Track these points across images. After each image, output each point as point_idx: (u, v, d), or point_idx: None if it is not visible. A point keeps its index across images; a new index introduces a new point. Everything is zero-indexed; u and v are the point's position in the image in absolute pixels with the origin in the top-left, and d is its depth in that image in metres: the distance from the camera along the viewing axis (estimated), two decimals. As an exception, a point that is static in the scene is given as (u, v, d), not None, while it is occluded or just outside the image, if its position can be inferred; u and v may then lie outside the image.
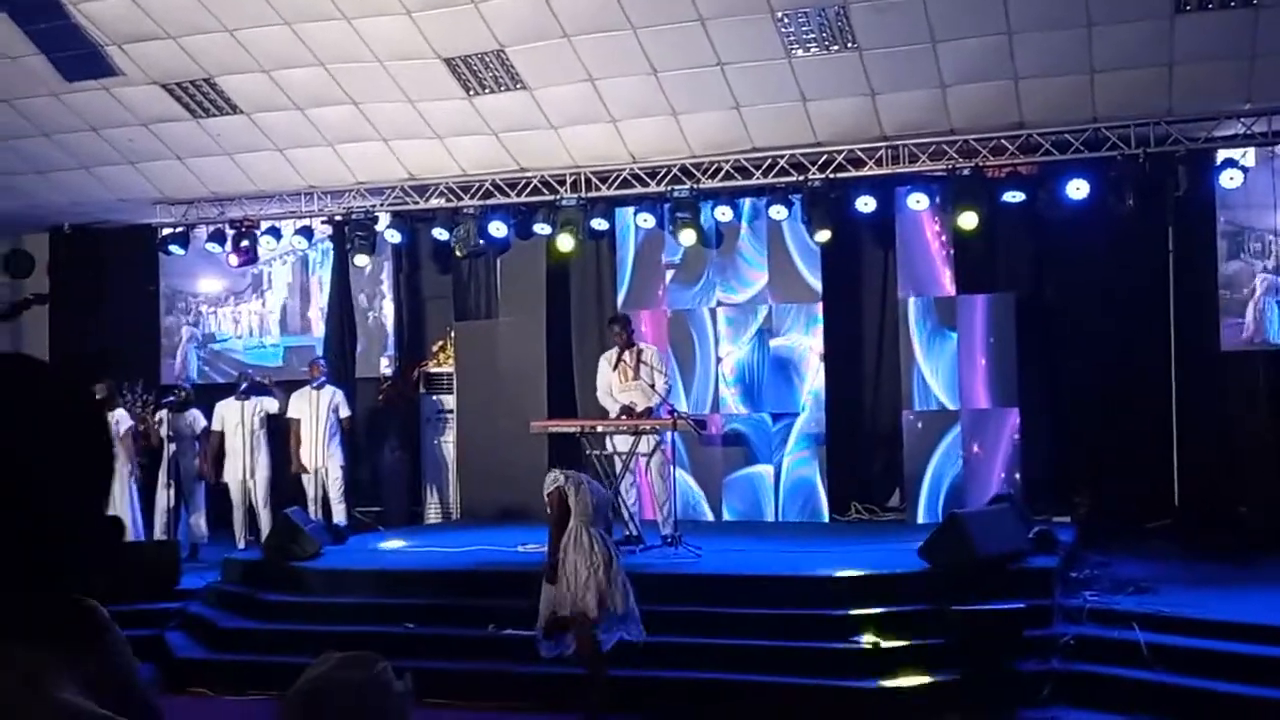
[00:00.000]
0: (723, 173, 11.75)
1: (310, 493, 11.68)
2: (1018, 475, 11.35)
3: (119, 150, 12.44)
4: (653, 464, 10.09)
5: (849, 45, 10.08)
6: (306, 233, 13.28)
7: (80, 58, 11.07)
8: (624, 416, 10.09)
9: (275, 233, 13.22)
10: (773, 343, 12.35)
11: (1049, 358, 11.91)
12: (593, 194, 12.14)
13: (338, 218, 13.12)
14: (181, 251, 13.48)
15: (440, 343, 13.80)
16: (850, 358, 12.53)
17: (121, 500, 11.19)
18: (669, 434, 10.13)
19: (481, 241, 12.54)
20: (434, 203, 12.72)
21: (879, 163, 11.31)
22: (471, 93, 11.14)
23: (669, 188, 11.85)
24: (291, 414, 11.74)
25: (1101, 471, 11.41)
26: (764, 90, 10.71)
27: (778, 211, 11.66)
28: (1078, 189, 10.69)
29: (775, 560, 9.40)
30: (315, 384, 11.73)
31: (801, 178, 11.47)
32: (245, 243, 13.21)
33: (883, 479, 12.45)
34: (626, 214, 12.65)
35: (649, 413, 9.98)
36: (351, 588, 9.59)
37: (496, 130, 11.62)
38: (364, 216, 12.84)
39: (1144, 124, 10.57)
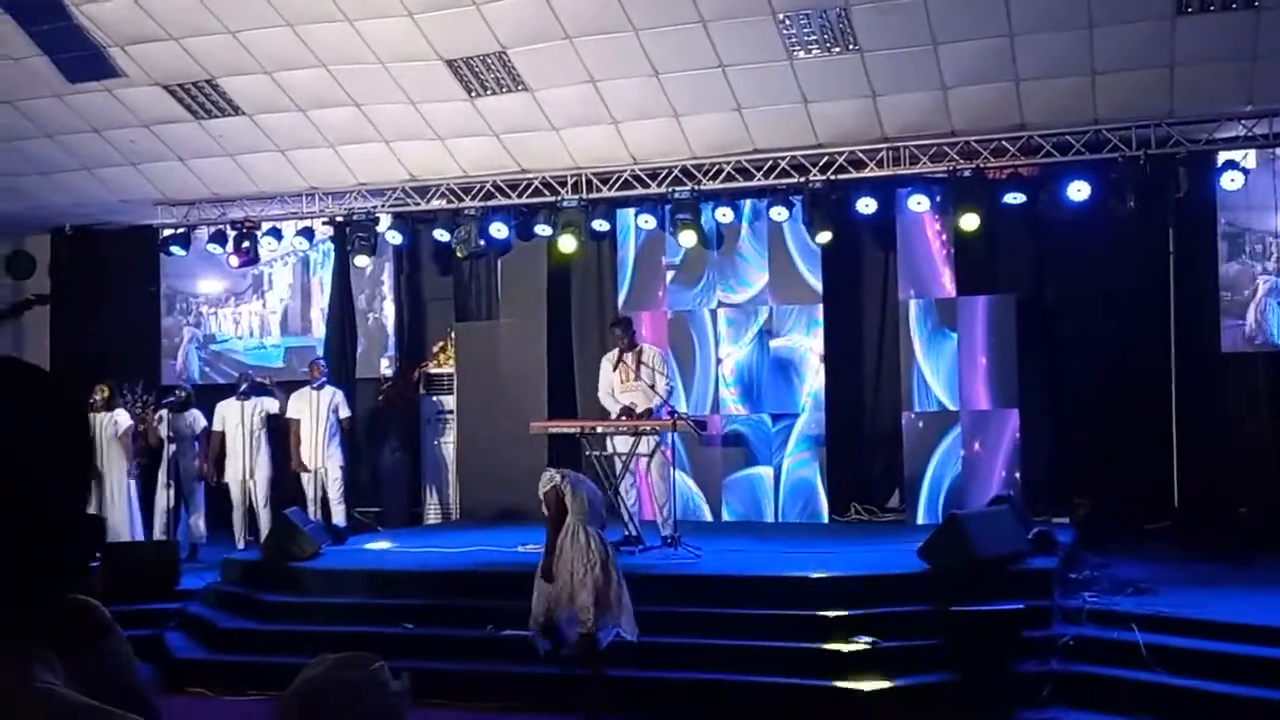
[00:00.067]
0: (724, 174, 11.76)
1: (310, 493, 11.69)
2: (1018, 476, 11.36)
3: (121, 151, 12.46)
4: (653, 465, 10.09)
5: (850, 47, 10.09)
6: (307, 234, 13.30)
7: (82, 59, 11.09)
8: (624, 417, 10.10)
9: (276, 234, 13.23)
10: (773, 343, 12.35)
11: (1049, 359, 11.92)
12: (594, 195, 12.15)
13: (339, 219, 13.13)
14: (183, 252, 13.50)
15: (441, 344, 13.82)
16: (850, 359, 12.53)
17: (120, 500, 11.22)
18: (669, 435, 10.14)
19: (482, 243, 12.55)
20: (435, 204, 12.73)
21: (880, 164, 11.32)
22: (473, 94, 11.15)
23: (670, 189, 11.86)
24: (291, 414, 11.75)
25: (1101, 473, 11.41)
26: (765, 92, 10.72)
27: (779, 213, 11.67)
28: (1078, 190, 10.70)
29: (775, 561, 9.39)
30: (315, 384, 11.74)
31: (802, 179, 11.48)
32: (246, 244, 13.22)
33: (883, 480, 12.45)
34: (627, 215, 12.66)
35: (649, 414, 9.98)
36: (351, 588, 9.60)
37: (498, 131, 11.63)
38: (365, 217, 12.85)
39: (1145, 126, 10.58)
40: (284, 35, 10.58)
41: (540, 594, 7.40)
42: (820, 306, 12.24)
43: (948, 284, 11.84)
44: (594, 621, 7.22)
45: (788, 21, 9.91)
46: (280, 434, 11.90)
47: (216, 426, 11.86)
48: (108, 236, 14.76)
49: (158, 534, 11.44)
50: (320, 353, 13.26)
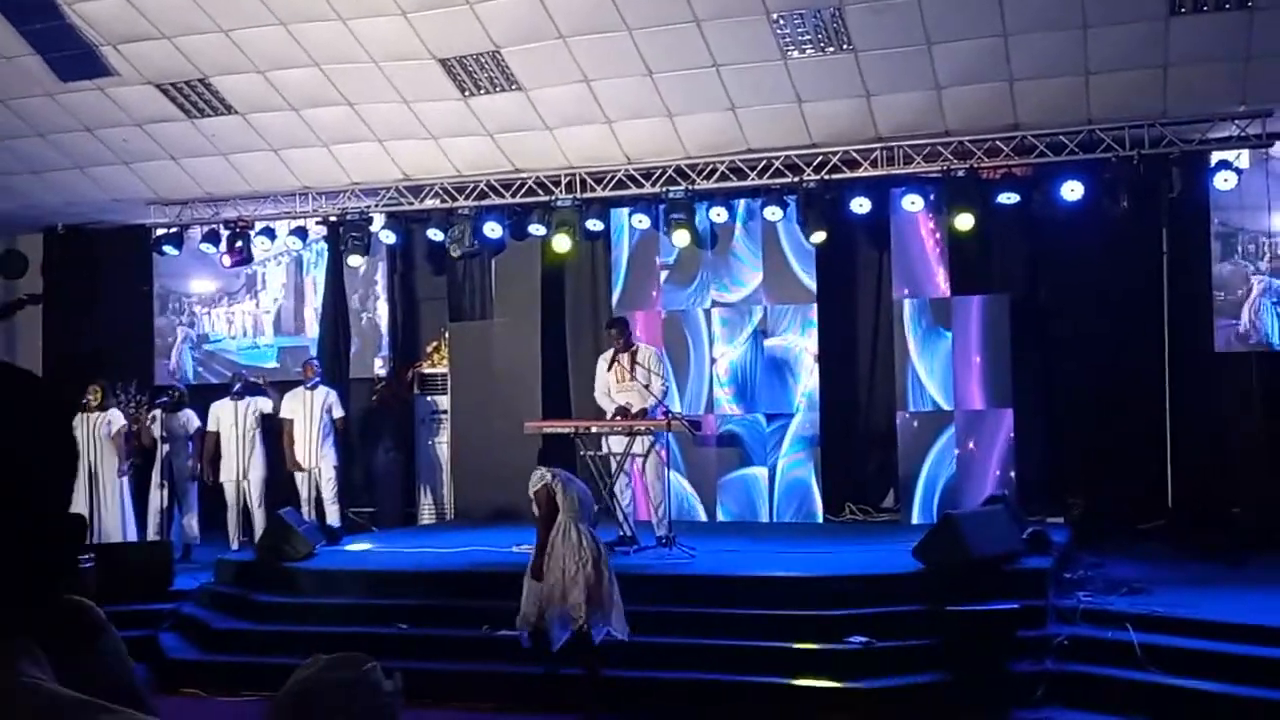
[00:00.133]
0: (718, 174, 11.75)
1: (304, 493, 11.68)
2: (1012, 475, 11.37)
3: (113, 150, 12.43)
4: (648, 465, 10.10)
5: (844, 47, 10.09)
6: (301, 233, 13.27)
7: (75, 58, 11.06)
8: (619, 417, 10.10)
9: (270, 233, 13.21)
10: (767, 343, 12.35)
11: (1043, 359, 11.93)
12: (588, 195, 12.13)
13: (332, 218, 13.11)
14: (175, 252, 13.47)
15: (435, 343, 13.81)
16: (845, 358, 12.54)
17: (114, 501, 11.19)
18: (664, 435, 10.13)
19: (476, 242, 12.54)
20: (429, 203, 12.71)
21: (874, 164, 11.32)
22: (467, 93, 11.14)
23: (664, 189, 11.85)
24: (285, 414, 11.73)
25: (1095, 472, 11.43)
26: (759, 91, 10.72)
27: (773, 212, 11.67)
28: (1072, 190, 10.71)
29: (769, 561, 9.40)
30: (309, 384, 11.73)
31: (797, 179, 11.48)
32: (239, 243, 13.19)
33: (877, 480, 12.46)
34: (621, 215, 12.65)
35: (644, 414, 9.98)
36: (345, 589, 9.59)
37: (491, 131, 11.62)
38: (359, 217, 12.83)
39: (1138, 126, 10.59)
40: (277, 34, 10.56)
41: (530, 593, 7.40)
42: (814, 306, 12.24)
43: (942, 284, 11.85)
44: (586, 619, 7.22)
45: (781, 21, 9.91)
46: (274, 434, 11.88)
47: (211, 427, 11.83)
48: (100, 236, 14.72)
49: (151, 534, 11.41)
50: (314, 352, 13.24)
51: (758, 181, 11.67)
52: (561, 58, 10.50)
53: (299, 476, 11.68)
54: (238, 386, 11.98)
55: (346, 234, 12.81)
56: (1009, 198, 11.08)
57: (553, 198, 12.15)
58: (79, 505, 10.37)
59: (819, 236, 11.62)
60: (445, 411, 13.41)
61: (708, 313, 12.57)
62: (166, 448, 11.50)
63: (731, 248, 12.52)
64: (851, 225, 11.96)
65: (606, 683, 7.53)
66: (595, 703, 7.40)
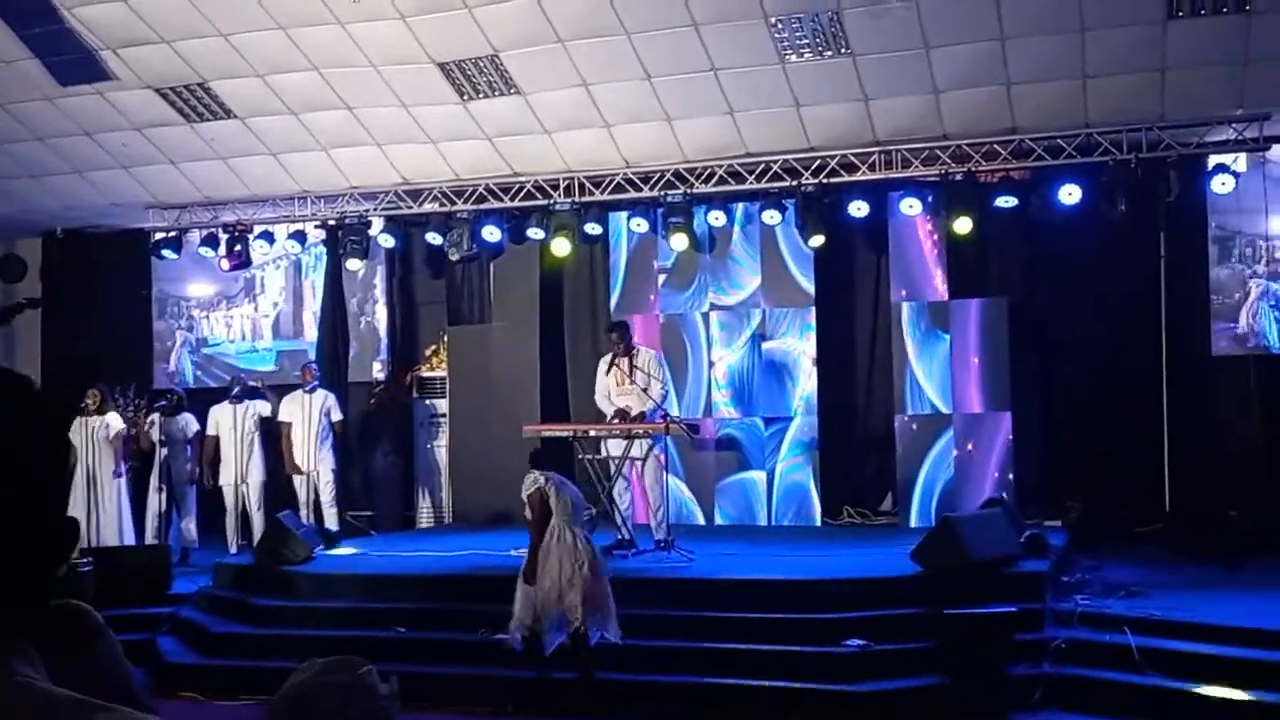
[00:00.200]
0: (716, 177, 11.77)
1: (302, 496, 11.68)
2: (1010, 478, 11.37)
3: (112, 154, 12.44)
4: (646, 468, 10.10)
5: (842, 51, 10.10)
6: (299, 237, 13.27)
7: (74, 62, 11.07)
8: (618, 420, 10.11)
9: (268, 237, 13.21)
10: (765, 346, 12.35)
11: (1041, 362, 11.93)
12: (586, 199, 12.14)
13: (331, 222, 13.12)
14: (174, 256, 13.48)
15: (433, 347, 13.80)
16: (843, 362, 12.54)
17: (111, 505, 11.18)
18: (663, 438, 10.14)
19: (475, 246, 12.54)
20: (427, 207, 12.72)
21: (872, 168, 11.33)
22: (465, 97, 11.15)
23: (662, 192, 11.86)
24: (283, 417, 11.73)
25: (1093, 476, 11.43)
26: (757, 95, 10.73)
27: (771, 216, 11.68)
28: (1070, 194, 10.72)
29: (767, 565, 9.40)
30: (307, 388, 11.74)
31: (795, 182, 11.49)
32: (238, 247, 13.19)
33: (875, 483, 12.46)
34: (620, 218, 12.65)
35: (642, 417, 9.99)
36: (343, 592, 9.59)
37: (490, 135, 11.63)
38: (357, 221, 12.83)
39: (1136, 129, 10.61)
40: (276, 38, 10.57)
41: (524, 597, 7.40)
42: (813, 310, 12.24)
43: (940, 287, 11.86)
44: (583, 622, 7.23)
45: (779, 25, 9.92)
46: (274, 438, 11.89)
47: (210, 431, 11.84)
48: (99, 240, 14.73)
49: (149, 538, 11.40)
50: (312, 356, 13.25)
51: (756, 185, 11.68)
52: (560, 62, 10.51)
53: (297, 480, 11.68)
54: (236, 390, 11.99)
55: (345, 238, 12.81)
56: (1007, 201, 11.10)
57: (551, 201, 12.15)
58: (77, 509, 10.37)
59: (817, 240, 11.62)
60: (444, 415, 13.41)
61: (706, 316, 12.57)
62: (165, 451, 11.50)
63: (730, 251, 12.52)
64: (850, 229, 11.96)
65: (601, 686, 7.54)
66: (590, 706, 7.40)
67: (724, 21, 9.94)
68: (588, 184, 12.11)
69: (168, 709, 7.99)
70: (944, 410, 11.69)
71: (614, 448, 10.10)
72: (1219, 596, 8.53)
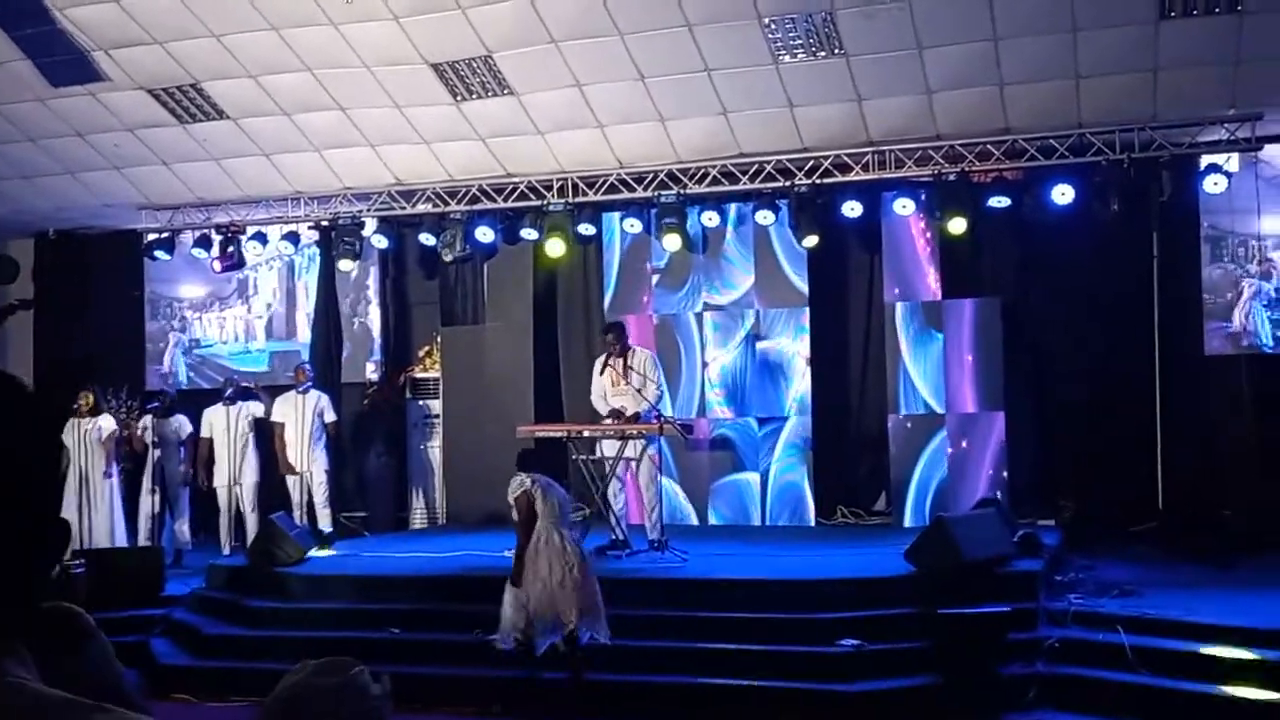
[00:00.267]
0: (709, 178, 11.77)
1: (295, 497, 11.66)
2: (1004, 477, 11.39)
3: (105, 155, 12.42)
4: (640, 469, 10.10)
5: (836, 51, 10.11)
6: (293, 238, 13.25)
7: (66, 63, 11.05)
8: (612, 420, 10.11)
9: (261, 238, 13.19)
10: (759, 346, 12.36)
11: (1035, 361, 11.95)
12: (579, 199, 12.13)
13: (324, 223, 13.10)
14: (167, 257, 13.45)
15: (426, 348, 13.80)
16: (837, 362, 12.55)
17: (104, 506, 11.17)
18: (657, 439, 10.14)
19: (468, 246, 12.53)
20: (421, 208, 12.71)
21: (865, 168, 11.34)
22: (459, 98, 11.14)
23: (656, 193, 11.87)
24: (276, 418, 11.72)
25: (1086, 475, 11.44)
26: (751, 96, 10.74)
27: (764, 217, 11.69)
28: (1063, 194, 10.75)
29: (761, 565, 9.41)
30: (301, 389, 11.73)
31: (788, 183, 11.50)
32: (231, 248, 13.17)
33: (869, 483, 12.47)
34: (613, 219, 12.66)
35: (637, 417, 9.99)
36: (337, 593, 9.58)
37: (484, 135, 11.62)
38: (350, 222, 12.82)
39: (1128, 129, 10.62)
40: (269, 39, 10.56)
41: (514, 601, 7.40)
42: (806, 310, 12.25)
43: (933, 287, 11.87)
44: (575, 623, 7.24)
45: (773, 26, 9.93)
46: (267, 439, 11.87)
47: (204, 432, 11.83)
48: (91, 241, 14.70)
49: (142, 540, 11.40)
50: (305, 357, 13.22)
51: (749, 185, 11.69)
52: (553, 62, 10.50)
53: (291, 481, 11.67)
54: (229, 391, 11.98)
55: (338, 239, 12.80)
56: (1000, 201, 11.12)
57: (544, 202, 12.15)
58: (70, 511, 10.35)
59: (811, 240, 11.64)
60: (437, 416, 13.40)
61: (699, 316, 12.58)
62: (158, 453, 11.48)
63: (723, 251, 12.53)
64: (843, 229, 11.98)
65: (591, 686, 7.54)
66: (581, 707, 7.41)
67: (717, 22, 9.94)
68: (581, 184, 12.11)
69: (161, 711, 7.97)
70: (937, 410, 11.71)
71: (608, 448, 10.10)
72: (1212, 595, 8.54)
